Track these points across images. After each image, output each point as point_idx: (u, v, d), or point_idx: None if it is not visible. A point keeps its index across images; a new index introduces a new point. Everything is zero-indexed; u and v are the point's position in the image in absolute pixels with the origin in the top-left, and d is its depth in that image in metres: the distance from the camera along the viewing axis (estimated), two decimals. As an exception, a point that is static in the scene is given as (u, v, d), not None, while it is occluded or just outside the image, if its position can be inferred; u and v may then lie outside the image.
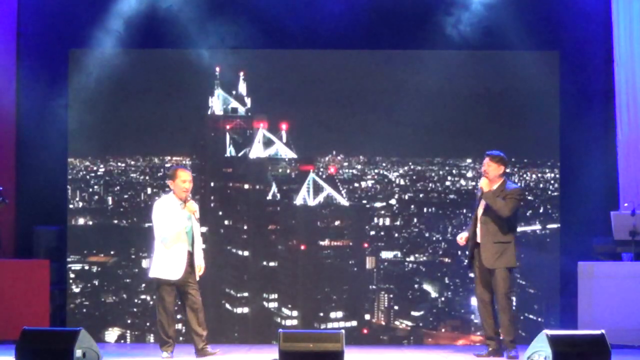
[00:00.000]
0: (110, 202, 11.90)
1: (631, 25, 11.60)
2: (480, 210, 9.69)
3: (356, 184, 11.92)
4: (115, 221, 11.82)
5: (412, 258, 11.83)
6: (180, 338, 10.59)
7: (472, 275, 10.16)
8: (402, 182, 11.92)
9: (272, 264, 11.79)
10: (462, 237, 9.84)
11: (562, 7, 11.68)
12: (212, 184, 11.88)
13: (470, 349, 10.62)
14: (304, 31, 11.62)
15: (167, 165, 11.85)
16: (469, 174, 11.65)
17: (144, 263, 11.76)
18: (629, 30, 11.60)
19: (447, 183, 11.87)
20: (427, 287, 11.78)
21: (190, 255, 9.55)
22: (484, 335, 10.05)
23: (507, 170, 10.02)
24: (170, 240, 9.46)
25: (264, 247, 11.78)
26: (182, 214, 9.48)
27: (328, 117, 11.63)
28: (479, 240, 9.66)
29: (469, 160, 11.67)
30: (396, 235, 11.82)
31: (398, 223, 11.82)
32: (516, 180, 11.65)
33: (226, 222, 11.81)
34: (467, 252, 9.92)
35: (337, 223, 11.83)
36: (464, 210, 11.52)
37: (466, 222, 10.76)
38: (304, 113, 11.67)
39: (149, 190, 11.91)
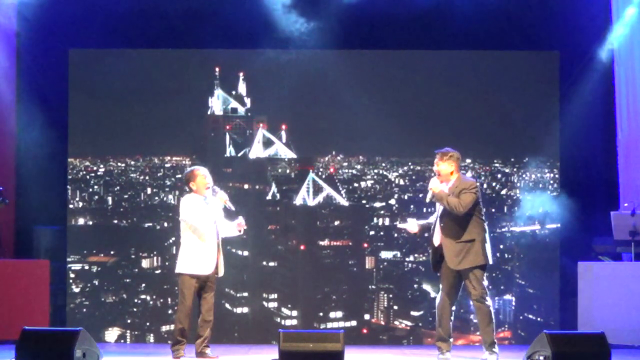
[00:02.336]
0: (110, 202, 11.89)
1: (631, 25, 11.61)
2: (438, 212, 9.19)
3: (356, 184, 11.92)
4: (115, 221, 11.82)
5: (411, 258, 11.83)
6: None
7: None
8: (401, 182, 11.91)
9: (272, 264, 11.80)
10: (414, 225, 9.30)
11: (562, 7, 11.68)
12: (212, 184, 11.91)
13: (470, 349, 10.62)
14: (303, 31, 11.61)
15: (167, 165, 11.85)
16: (469, 174, 11.64)
17: (144, 263, 11.77)
18: (629, 30, 11.60)
19: (447, 183, 11.85)
20: (426, 287, 11.78)
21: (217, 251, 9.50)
22: (438, 338, 9.23)
23: (459, 166, 9.34)
24: (200, 233, 9.36)
25: (264, 247, 11.79)
26: (209, 211, 9.40)
27: (328, 117, 11.63)
28: (438, 242, 9.11)
29: (468, 160, 11.65)
30: (396, 235, 11.82)
31: (397, 223, 11.82)
32: (515, 180, 11.66)
33: (226, 222, 11.83)
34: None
35: (336, 223, 11.84)
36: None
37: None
38: (304, 113, 11.67)
39: (149, 190, 11.91)
